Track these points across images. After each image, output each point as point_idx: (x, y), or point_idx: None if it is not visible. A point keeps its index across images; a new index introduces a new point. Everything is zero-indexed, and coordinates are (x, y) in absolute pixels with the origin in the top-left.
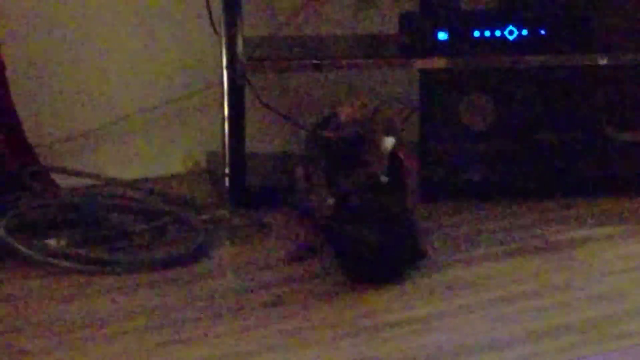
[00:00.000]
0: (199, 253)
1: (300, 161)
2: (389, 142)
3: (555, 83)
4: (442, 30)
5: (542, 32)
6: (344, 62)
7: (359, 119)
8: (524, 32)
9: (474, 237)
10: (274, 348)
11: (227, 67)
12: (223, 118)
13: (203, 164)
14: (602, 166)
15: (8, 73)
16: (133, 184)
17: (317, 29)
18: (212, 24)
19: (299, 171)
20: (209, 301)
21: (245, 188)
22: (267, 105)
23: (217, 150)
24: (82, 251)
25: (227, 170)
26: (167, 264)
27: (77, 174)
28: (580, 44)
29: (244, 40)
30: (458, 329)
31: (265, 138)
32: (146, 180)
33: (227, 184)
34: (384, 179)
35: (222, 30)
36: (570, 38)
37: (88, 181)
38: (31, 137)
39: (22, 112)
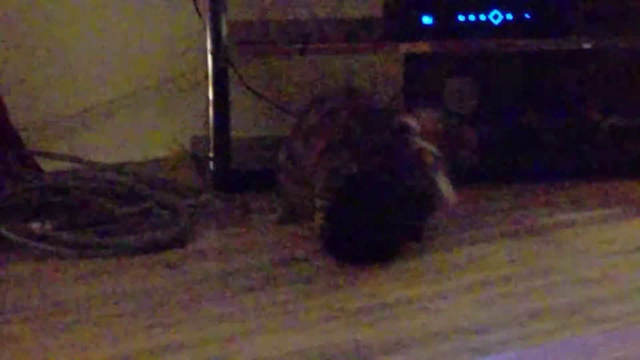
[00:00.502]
0: (183, 237)
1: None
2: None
3: (540, 67)
4: (427, 15)
5: (527, 16)
6: (328, 46)
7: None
8: (509, 16)
9: (459, 222)
10: (261, 331)
11: (212, 51)
12: (208, 102)
13: (188, 148)
14: (587, 150)
15: None
16: (118, 168)
17: (302, 13)
18: (197, 7)
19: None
20: (193, 285)
21: (229, 172)
22: (251, 89)
23: (201, 134)
24: (66, 235)
25: (211, 154)
26: (152, 247)
27: (62, 157)
28: (565, 28)
29: (229, 24)
30: (445, 312)
31: (250, 122)
32: (131, 164)
33: (211, 168)
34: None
35: (207, 14)
36: (555, 22)
37: (73, 165)
38: (16, 121)
39: (7, 96)
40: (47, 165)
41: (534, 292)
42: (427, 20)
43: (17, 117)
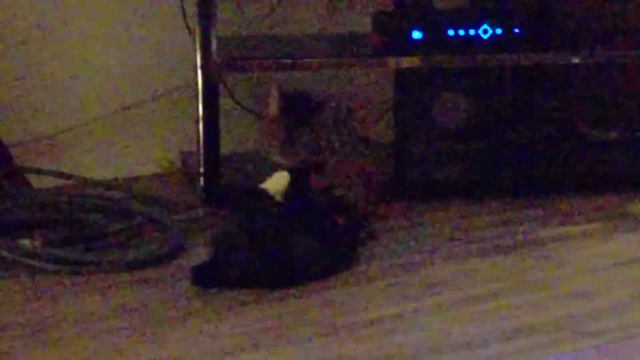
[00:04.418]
0: (173, 253)
1: None
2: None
3: (530, 81)
4: (416, 29)
5: (516, 30)
6: (318, 61)
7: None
8: (498, 30)
9: (448, 236)
10: (249, 347)
11: (202, 67)
12: (197, 118)
13: (178, 164)
14: (576, 164)
15: None
16: (108, 184)
17: (292, 29)
18: (186, 23)
19: None
20: (184, 301)
21: (220, 188)
22: (241, 105)
23: (192, 150)
24: (57, 251)
25: (201, 170)
26: (142, 264)
27: (52, 174)
28: (554, 43)
29: (218, 39)
30: (433, 328)
31: (240, 138)
32: (121, 180)
33: (202, 183)
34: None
35: (196, 30)
36: (544, 36)
37: (63, 181)
38: (5, 137)
39: None
40: (37, 182)
41: (524, 307)
42: (416, 35)
43: (7, 133)
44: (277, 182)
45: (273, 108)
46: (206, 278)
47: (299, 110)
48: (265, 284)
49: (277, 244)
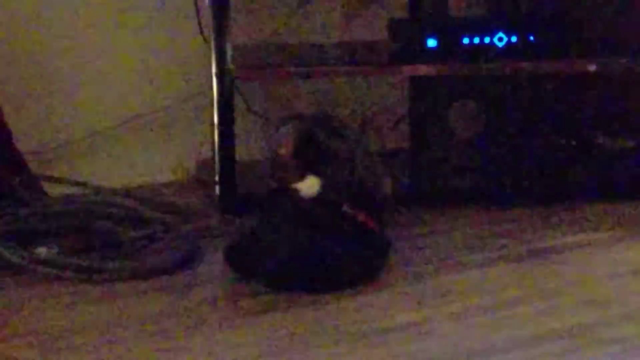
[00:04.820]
0: (189, 261)
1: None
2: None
3: (545, 90)
4: (431, 37)
5: (532, 38)
6: (333, 69)
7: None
8: (513, 38)
9: (464, 244)
10: (264, 355)
11: (217, 75)
12: (213, 126)
13: (193, 172)
14: (591, 172)
15: None
16: (123, 192)
17: (307, 37)
18: (202, 31)
19: None
20: (198, 309)
21: (235, 196)
22: (256, 113)
23: (207, 158)
24: (72, 259)
25: (217, 178)
26: (157, 272)
27: (67, 182)
28: (569, 51)
29: (233, 48)
30: (449, 336)
31: (255, 146)
32: (136, 188)
33: (217, 191)
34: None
35: (212, 38)
36: (559, 45)
37: (78, 189)
38: (21, 146)
39: (12, 121)
40: (53, 190)
41: (540, 315)
42: (431, 42)
43: (23, 142)
44: (310, 186)
45: (285, 150)
46: (239, 259)
47: (311, 154)
48: (293, 285)
49: (308, 247)
